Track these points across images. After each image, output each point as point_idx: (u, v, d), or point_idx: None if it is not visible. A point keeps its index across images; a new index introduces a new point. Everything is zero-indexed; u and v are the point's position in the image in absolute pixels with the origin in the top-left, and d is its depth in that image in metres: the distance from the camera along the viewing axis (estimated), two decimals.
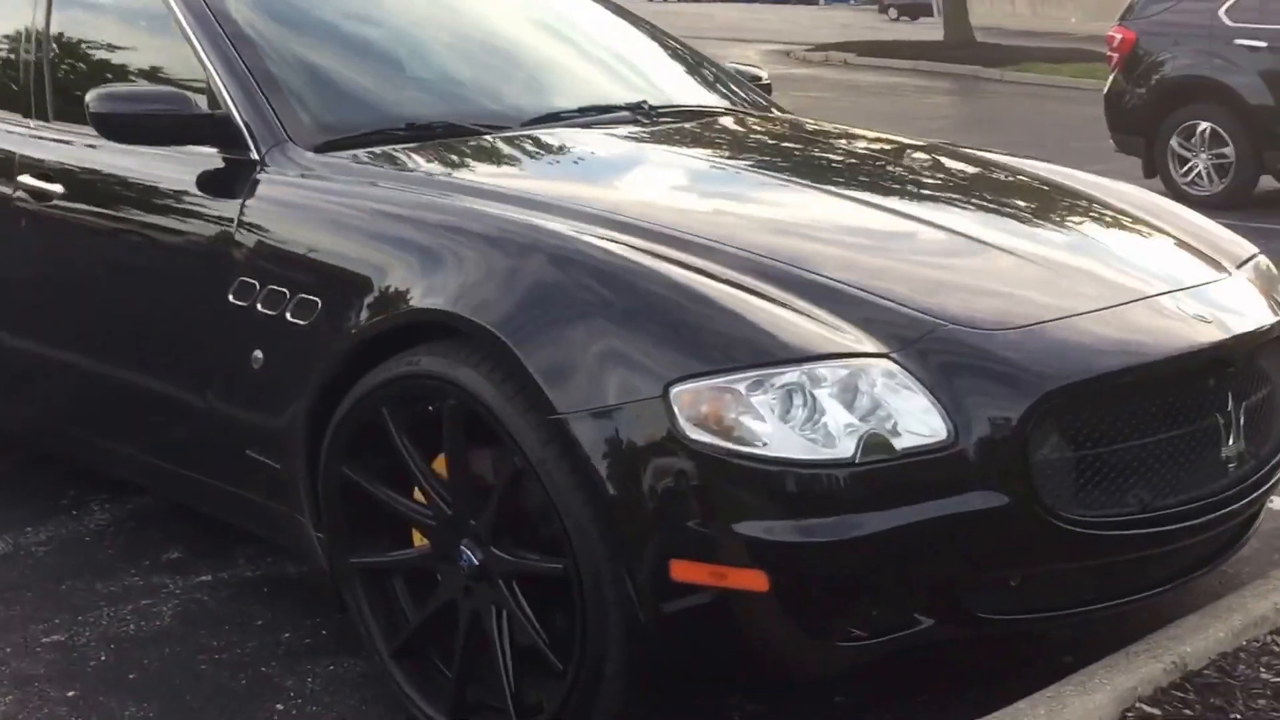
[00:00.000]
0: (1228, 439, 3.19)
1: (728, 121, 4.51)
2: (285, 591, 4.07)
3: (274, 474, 3.50)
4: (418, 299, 3.14)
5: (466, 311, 3.01)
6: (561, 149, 3.99)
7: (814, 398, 2.76)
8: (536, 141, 4.01)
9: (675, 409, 2.75)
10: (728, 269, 3.03)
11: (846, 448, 2.74)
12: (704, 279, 2.97)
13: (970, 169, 4.22)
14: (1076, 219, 3.82)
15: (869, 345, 2.86)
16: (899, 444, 2.77)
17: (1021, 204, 3.89)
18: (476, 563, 3.08)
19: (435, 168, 3.68)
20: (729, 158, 4.12)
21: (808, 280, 3.03)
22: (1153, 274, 3.40)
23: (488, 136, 3.93)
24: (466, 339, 3.02)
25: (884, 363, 2.84)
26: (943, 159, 4.31)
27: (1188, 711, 3.12)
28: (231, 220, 3.65)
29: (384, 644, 3.31)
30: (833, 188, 3.79)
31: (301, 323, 3.37)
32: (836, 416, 2.77)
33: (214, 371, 3.66)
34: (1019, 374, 2.90)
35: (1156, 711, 3.11)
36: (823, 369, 2.79)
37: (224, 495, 3.75)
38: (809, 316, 2.91)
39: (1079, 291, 3.21)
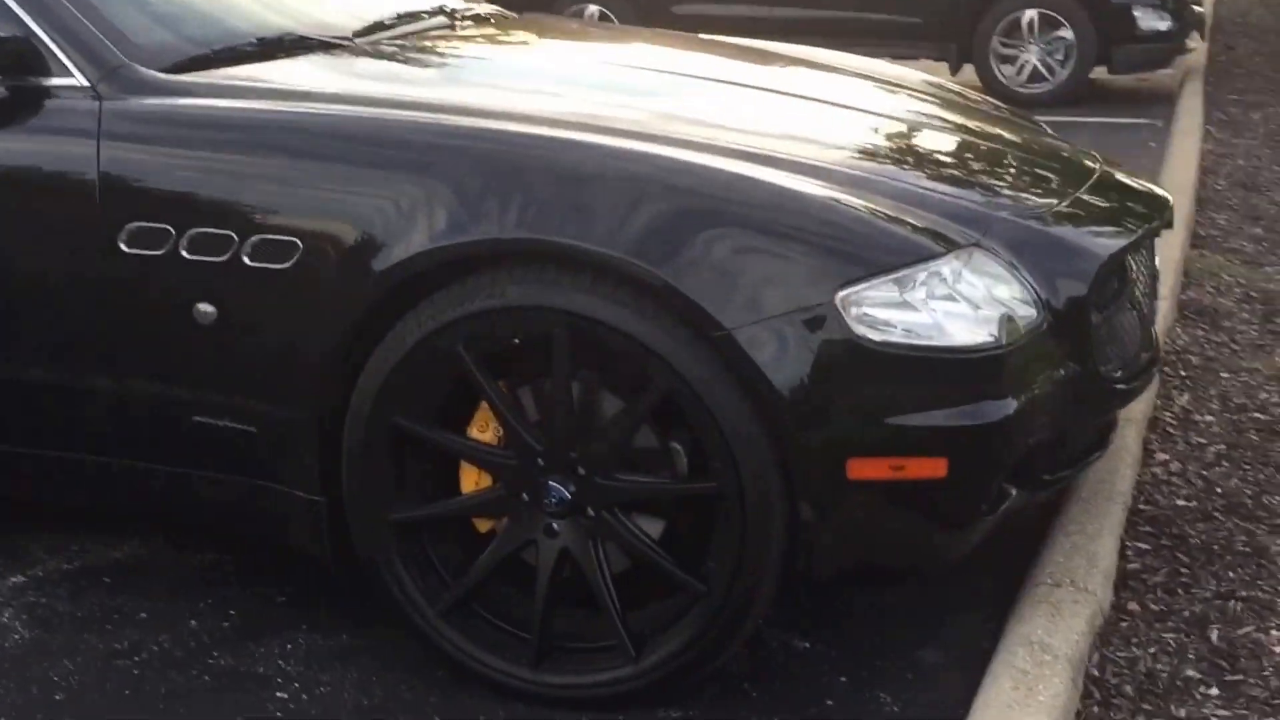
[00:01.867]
0: (1152, 298, 3.57)
1: (540, 25, 4.43)
2: (131, 578, 3.54)
3: (247, 441, 3.09)
4: (484, 228, 2.86)
5: (577, 239, 2.81)
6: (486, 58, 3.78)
7: (948, 289, 2.84)
8: (442, 51, 3.75)
9: (843, 312, 2.75)
10: (808, 177, 3.01)
11: (991, 332, 2.84)
12: (817, 187, 2.95)
13: (812, 63, 4.29)
14: (965, 114, 4.01)
15: (965, 237, 2.95)
16: (1020, 325, 2.90)
17: (911, 98, 4.03)
18: (569, 497, 2.92)
19: (362, 85, 3.36)
20: (634, 62, 4.01)
21: (874, 183, 3.06)
22: (1077, 153, 3.71)
23: (360, 47, 3.64)
24: (570, 265, 2.83)
25: (982, 253, 2.94)
26: (789, 54, 4.38)
27: (1164, 542, 3.51)
28: (89, 157, 3.13)
29: (429, 605, 3.05)
30: (755, 86, 3.78)
31: (278, 266, 2.99)
32: (971, 305, 2.86)
33: (120, 337, 3.15)
34: (1075, 252, 3.11)
35: (1145, 545, 3.49)
36: (946, 263, 2.86)
37: (146, 479, 3.25)
38: (913, 215, 2.96)
39: (1058, 178, 3.46)
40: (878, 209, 2.92)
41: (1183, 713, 2.88)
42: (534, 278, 2.84)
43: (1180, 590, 3.29)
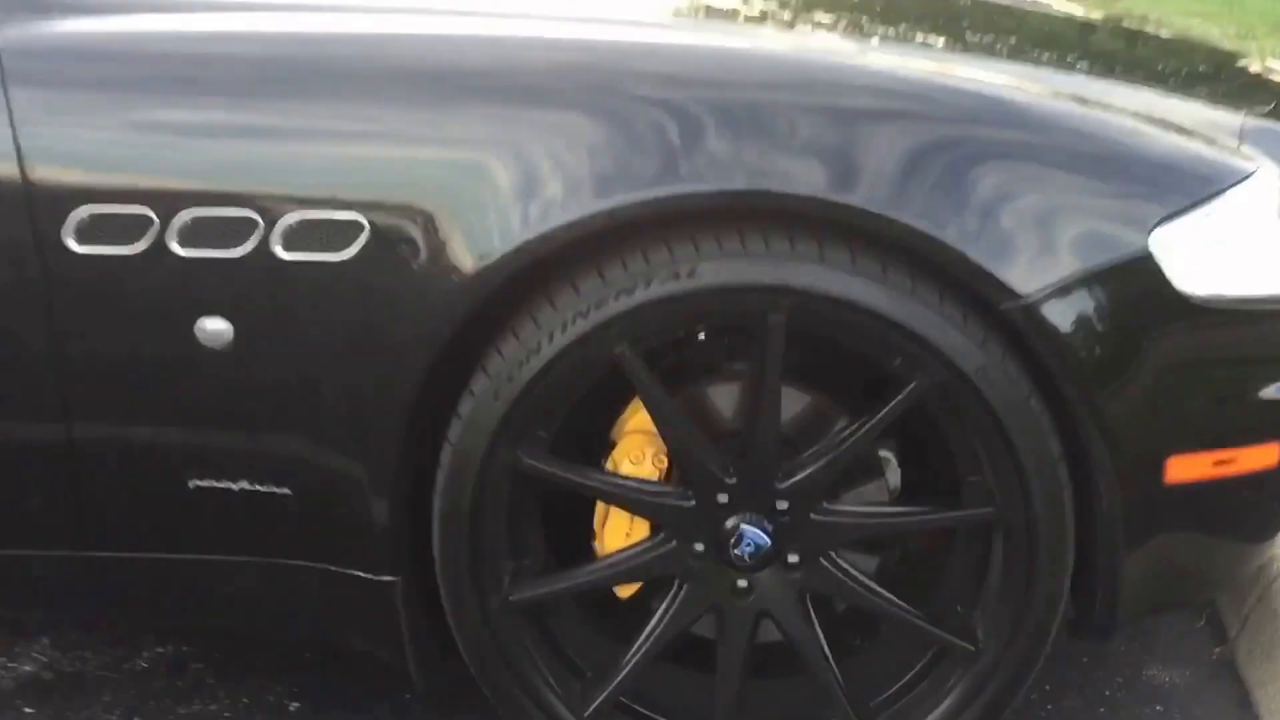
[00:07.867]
0: None
1: None
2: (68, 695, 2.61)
3: (276, 509, 2.18)
4: (680, 180, 1.98)
5: (812, 190, 1.99)
6: None
7: (1259, 218, 2.15)
8: None
9: (1161, 260, 2.03)
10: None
11: None
12: (1099, 109, 2.18)
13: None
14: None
15: (1246, 152, 2.23)
16: None
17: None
18: (767, 542, 2.14)
19: None
20: None
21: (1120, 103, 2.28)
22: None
23: None
24: (796, 228, 2.03)
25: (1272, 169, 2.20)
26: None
27: None
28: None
29: (571, 713, 2.23)
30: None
31: (329, 258, 2.07)
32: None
33: (76, 372, 2.18)
34: None
35: None
36: (1252, 185, 2.14)
37: (124, 572, 2.29)
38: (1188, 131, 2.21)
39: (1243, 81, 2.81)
40: (1166, 122, 2.19)
41: None
42: (741, 248, 2.02)
43: None
